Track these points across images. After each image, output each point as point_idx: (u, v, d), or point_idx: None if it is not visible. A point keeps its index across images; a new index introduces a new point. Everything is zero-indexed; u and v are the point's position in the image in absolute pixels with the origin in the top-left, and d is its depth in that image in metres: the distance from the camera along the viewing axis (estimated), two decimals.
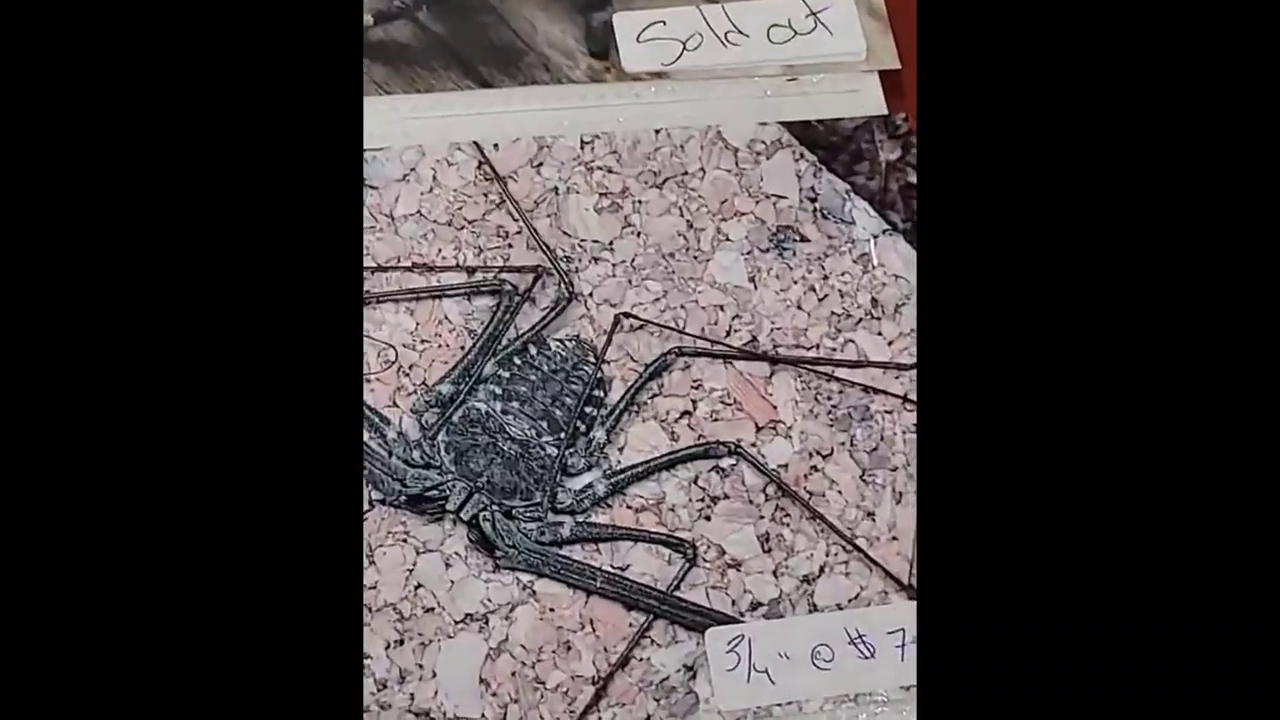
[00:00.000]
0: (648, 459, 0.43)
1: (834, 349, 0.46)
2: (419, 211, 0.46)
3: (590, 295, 0.45)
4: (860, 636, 0.41)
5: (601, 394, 0.44)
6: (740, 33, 0.51)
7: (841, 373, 0.45)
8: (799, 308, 0.46)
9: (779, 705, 0.41)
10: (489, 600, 0.41)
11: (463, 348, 0.44)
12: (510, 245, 0.46)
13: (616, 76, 0.50)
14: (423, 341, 0.44)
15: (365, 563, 0.41)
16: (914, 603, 0.43)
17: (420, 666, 0.40)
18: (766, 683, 0.41)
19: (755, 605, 0.42)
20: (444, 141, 0.48)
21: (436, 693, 0.40)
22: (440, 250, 0.45)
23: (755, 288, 0.47)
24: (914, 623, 0.42)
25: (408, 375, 0.44)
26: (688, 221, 0.48)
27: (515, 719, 0.40)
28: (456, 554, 0.42)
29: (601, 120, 0.49)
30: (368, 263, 0.45)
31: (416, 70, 0.49)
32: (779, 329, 0.46)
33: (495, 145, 0.48)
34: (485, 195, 0.47)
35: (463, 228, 0.46)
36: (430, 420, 0.42)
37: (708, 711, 0.40)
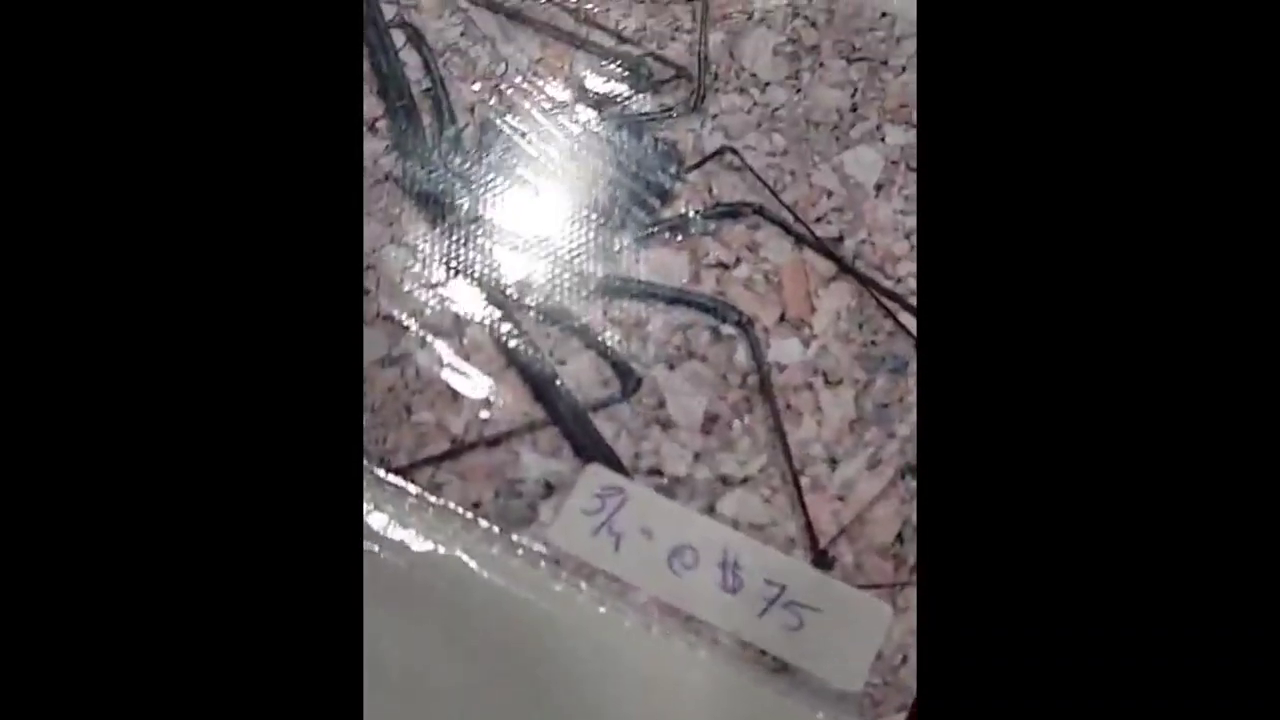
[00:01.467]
0: (657, 283, 0.36)
1: None
2: None
3: (715, 117, 0.38)
4: (735, 565, 0.32)
5: (656, 203, 0.37)
6: None
7: None
8: None
9: (604, 575, 0.33)
10: None
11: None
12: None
13: None
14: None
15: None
16: (821, 573, 0.33)
17: None
18: (610, 549, 0.33)
19: (653, 472, 0.34)
20: None
21: None
22: None
23: None
24: (806, 593, 0.33)
25: None
26: None
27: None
28: None
29: None
30: None
31: None
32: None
33: None
34: None
35: None
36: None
37: (532, 536, 0.33)
